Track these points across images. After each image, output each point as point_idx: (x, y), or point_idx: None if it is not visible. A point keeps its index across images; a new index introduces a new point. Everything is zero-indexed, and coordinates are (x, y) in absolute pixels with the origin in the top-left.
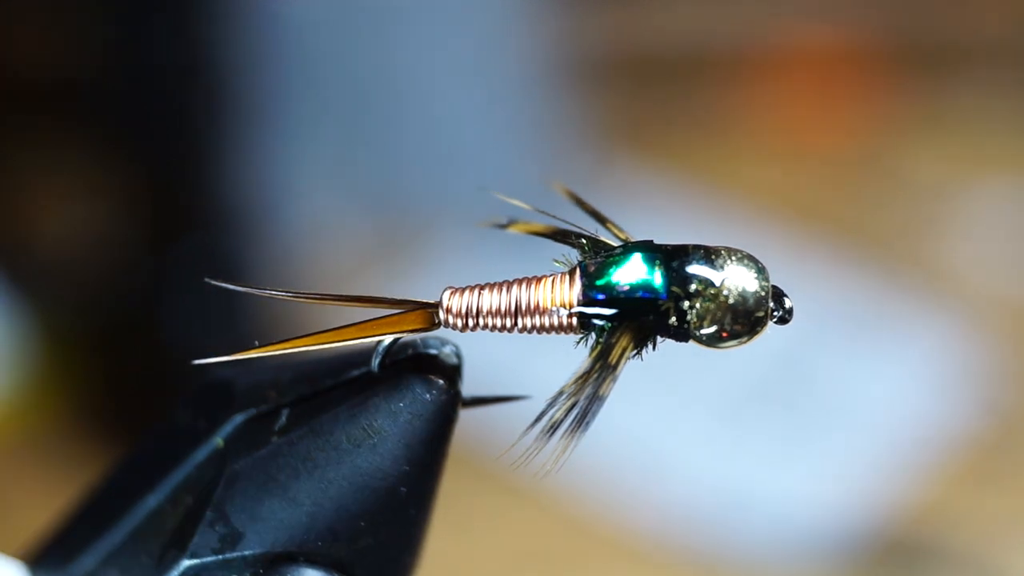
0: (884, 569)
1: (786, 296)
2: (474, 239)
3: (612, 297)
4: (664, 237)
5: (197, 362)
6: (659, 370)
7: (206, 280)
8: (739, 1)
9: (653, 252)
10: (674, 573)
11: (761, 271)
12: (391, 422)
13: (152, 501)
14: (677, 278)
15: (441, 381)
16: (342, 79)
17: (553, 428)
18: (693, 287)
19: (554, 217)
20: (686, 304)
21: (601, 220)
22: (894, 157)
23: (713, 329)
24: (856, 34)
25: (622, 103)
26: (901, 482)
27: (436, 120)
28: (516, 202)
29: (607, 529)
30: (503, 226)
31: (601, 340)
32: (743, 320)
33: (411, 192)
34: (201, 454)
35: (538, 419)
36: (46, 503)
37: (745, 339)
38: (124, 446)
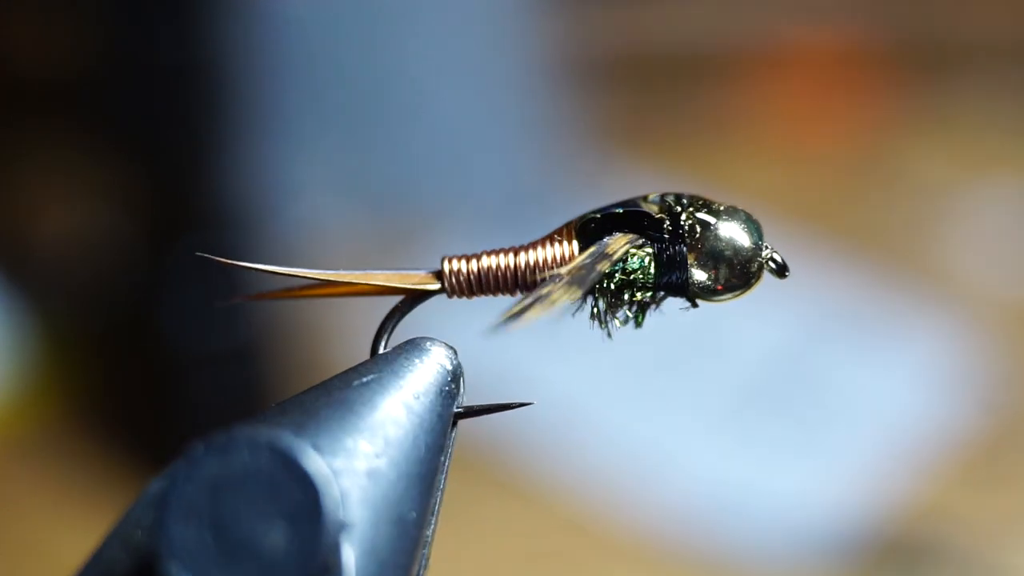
0: (884, 569)
1: (777, 252)
2: (475, 238)
3: (607, 216)
4: None
5: (200, 254)
6: (658, 370)
7: (199, 254)
8: (739, 1)
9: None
10: (674, 573)
11: (752, 218)
12: (386, 363)
13: None
14: (672, 197)
15: (441, 343)
16: (343, 78)
17: (547, 298)
18: (686, 202)
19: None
20: (679, 211)
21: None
22: (894, 157)
23: (708, 272)
24: (857, 34)
25: (623, 103)
26: (901, 482)
27: (437, 119)
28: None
29: (607, 529)
30: None
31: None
32: (738, 260)
33: (412, 191)
34: None
35: (537, 294)
36: (46, 502)
37: (740, 291)
38: (124, 446)
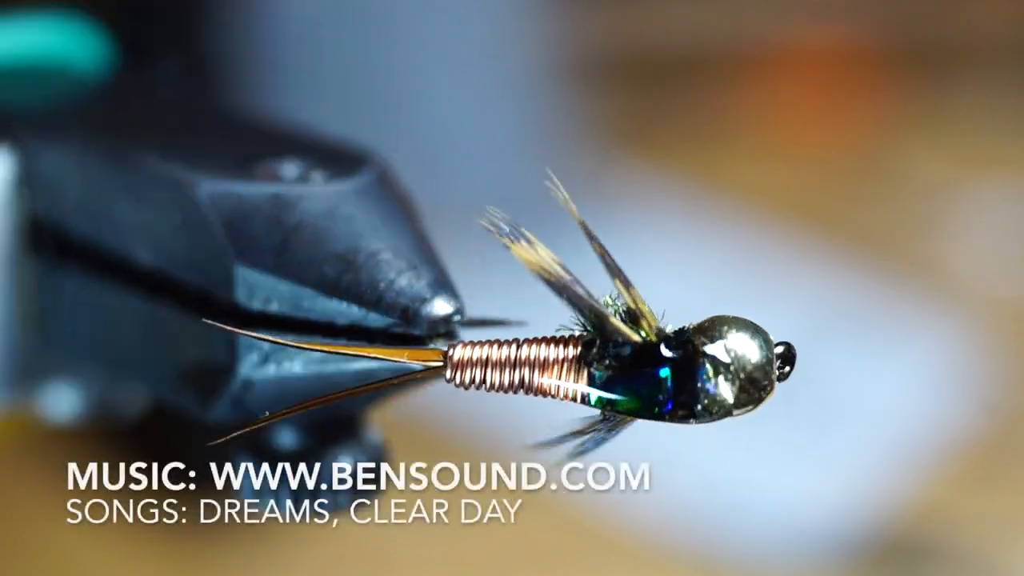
0: (884, 569)
1: (791, 347)
2: (474, 241)
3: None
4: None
5: (213, 444)
6: None
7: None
8: (739, 1)
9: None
10: (674, 573)
11: (763, 335)
12: None
13: None
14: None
15: None
16: (342, 78)
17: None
18: (696, 342)
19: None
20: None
21: (589, 236)
22: (894, 157)
23: (717, 389)
24: (856, 34)
25: (622, 102)
26: (901, 482)
27: (435, 119)
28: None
29: (607, 529)
30: (505, 237)
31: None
32: (746, 380)
33: (410, 192)
34: None
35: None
36: (46, 503)
37: (749, 407)
38: (123, 445)
